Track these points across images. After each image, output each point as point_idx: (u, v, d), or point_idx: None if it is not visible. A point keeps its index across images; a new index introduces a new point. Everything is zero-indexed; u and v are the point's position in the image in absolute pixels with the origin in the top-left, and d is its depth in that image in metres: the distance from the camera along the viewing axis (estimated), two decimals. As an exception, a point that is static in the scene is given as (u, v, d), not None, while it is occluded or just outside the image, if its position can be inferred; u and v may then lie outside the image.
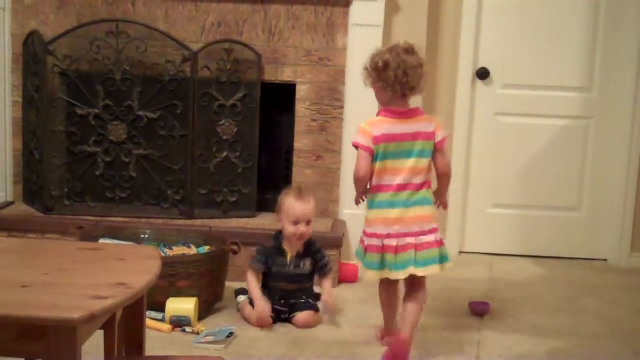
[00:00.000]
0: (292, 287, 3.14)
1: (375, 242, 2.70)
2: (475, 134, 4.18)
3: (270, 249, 3.14)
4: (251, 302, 3.09)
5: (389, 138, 2.68)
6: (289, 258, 3.12)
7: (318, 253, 3.17)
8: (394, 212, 2.69)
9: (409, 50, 2.69)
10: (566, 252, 4.24)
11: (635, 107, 4.05)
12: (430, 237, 2.72)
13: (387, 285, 2.78)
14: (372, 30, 3.80)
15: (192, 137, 3.73)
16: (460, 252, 4.25)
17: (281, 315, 3.10)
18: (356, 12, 3.79)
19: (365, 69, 2.75)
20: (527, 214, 4.24)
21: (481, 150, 4.19)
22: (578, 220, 4.24)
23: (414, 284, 2.75)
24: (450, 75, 4.10)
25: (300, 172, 3.88)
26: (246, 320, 3.08)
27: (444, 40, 4.08)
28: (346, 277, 3.65)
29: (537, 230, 4.25)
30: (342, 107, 3.87)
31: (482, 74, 4.11)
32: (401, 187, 2.70)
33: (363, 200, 2.81)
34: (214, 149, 3.79)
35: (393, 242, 2.68)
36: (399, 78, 2.64)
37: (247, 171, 3.80)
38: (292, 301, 3.11)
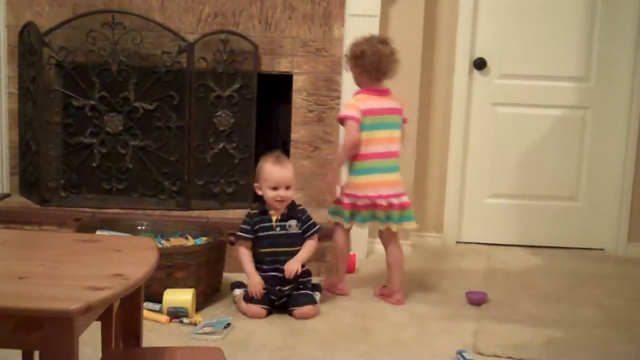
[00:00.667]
0: (283, 250, 3.13)
1: (367, 202, 3.19)
2: (473, 124, 4.18)
3: (254, 215, 3.16)
4: (245, 298, 3.10)
5: (373, 112, 3.18)
6: (274, 220, 3.14)
7: (302, 213, 3.19)
8: (380, 177, 3.20)
9: (383, 41, 3.23)
10: (564, 242, 4.25)
11: (632, 96, 4.06)
12: (405, 199, 3.25)
13: (346, 236, 3.32)
14: (369, 20, 3.79)
15: (189, 129, 3.72)
16: (458, 242, 4.26)
17: (276, 302, 3.10)
18: (353, 2, 3.78)
19: (346, 56, 3.27)
20: (525, 204, 4.25)
21: (478, 141, 4.19)
22: (575, 210, 4.24)
23: (391, 238, 3.28)
24: (447, 65, 4.09)
25: (298, 163, 3.87)
26: (242, 313, 3.08)
27: (441, 31, 4.07)
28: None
29: (534, 220, 4.25)
30: (339, 97, 3.86)
31: (480, 64, 4.11)
32: (384, 155, 3.20)
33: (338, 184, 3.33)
34: (211, 140, 3.78)
35: (383, 202, 3.19)
36: (374, 65, 3.16)
37: (244, 162, 3.80)
38: (292, 293, 3.11)
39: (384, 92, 3.24)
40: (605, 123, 4.15)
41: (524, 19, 4.09)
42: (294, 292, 3.11)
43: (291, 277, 3.08)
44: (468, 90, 4.13)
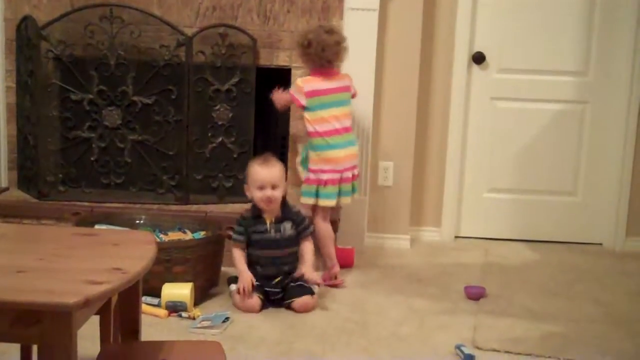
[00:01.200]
0: (279, 253, 3.15)
1: (335, 176, 3.38)
2: (471, 118, 4.17)
3: (248, 219, 3.17)
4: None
5: (318, 92, 3.40)
6: (268, 223, 3.14)
7: (296, 215, 3.20)
8: (342, 151, 3.41)
9: (329, 31, 3.43)
10: (562, 237, 4.24)
11: (631, 91, 4.05)
12: (356, 171, 3.51)
13: (324, 216, 3.44)
14: (367, 14, 3.79)
15: (187, 123, 3.72)
16: (456, 236, 4.25)
17: (272, 297, 3.11)
18: (352, -5, 3.78)
19: (297, 44, 3.51)
20: (523, 199, 4.24)
21: (477, 135, 4.19)
22: (574, 205, 4.24)
23: (328, 213, 3.47)
24: (446, 59, 4.09)
25: (296, 157, 3.86)
26: (236, 307, 3.08)
27: (440, 25, 4.06)
28: (342, 263, 3.64)
29: (533, 215, 4.25)
30: (337, 92, 3.86)
31: (478, 58, 4.10)
32: (339, 131, 3.41)
33: None
34: (210, 135, 3.78)
35: (349, 174, 3.43)
36: (319, 54, 3.38)
37: (243, 157, 3.79)
38: (291, 284, 3.12)
39: (330, 74, 3.43)
40: (604, 118, 4.15)
41: (523, 13, 4.08)
42: (290, 284, 3.12)
43: (317, 282, 3.17)
44: (467, 84, 4.12)
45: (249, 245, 3.16)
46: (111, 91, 3.73)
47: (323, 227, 3.43)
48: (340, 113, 3.42)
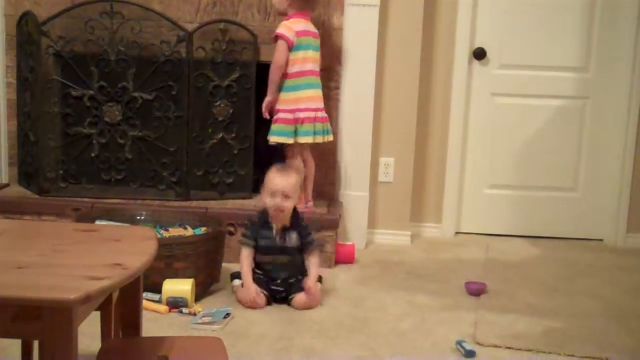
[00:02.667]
0: (282, 259, 3.14)
1: (311, 114, 3.55)
2: (472, 114, 4.17)
3: (256, 223, 3.16)
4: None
5: (305, 33, 3.54)
6: (274, 231, 3.14)
7: (303, 229, 3.18)
8: (316, 92, 3.60)
9: None
10: (562, 233, 4.25)
11: (631, 87, 4.05)
12: (325, 113, 3.65)
13: (298, 154, 3.61)
14: (368, 10, 3.79)
15: (188, 119, 3.72)
16: (457, 232, 4.26)
17: (276, 295, 3.11)
18: (353, -9, 3.77)
19: None
20: (524, 195, 4.24)
21: (478, 131, 4.19)
22: (574, 201, 4.24)
23: (309, 151, 3.66)
24: (447, 55, 4.08)
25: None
26: (240, 303, 3.08)
27: (440, 20, 4.06)
28: (343, 258, 3.65)
29: (533, 211, 4.25)
30: (338, 88, 3.86)
31: (479, 54, 4.10)
32: (314, 72, 3.59)
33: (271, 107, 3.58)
34: (210, 130, 3.77)
35: (321, 114, 3.60)
36: None
37: (243, 152, 3.79)
38: (290, 281, 3.12)
39: (308, 18, 3.60)
40: (605, 113, 4.15)
41: (524, 9, 4.08)
42: (294, 281, 3.12)
43: (317, 299, 3.10)
44: (467, 80, 4.12)
45: (255, 248, 3.15)
46: (111, 87, 3.73)
47: (310, 165, 3.67)
48: (314, 56, 3.59)
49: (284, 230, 3.15)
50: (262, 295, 3.06)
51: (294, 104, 3.54)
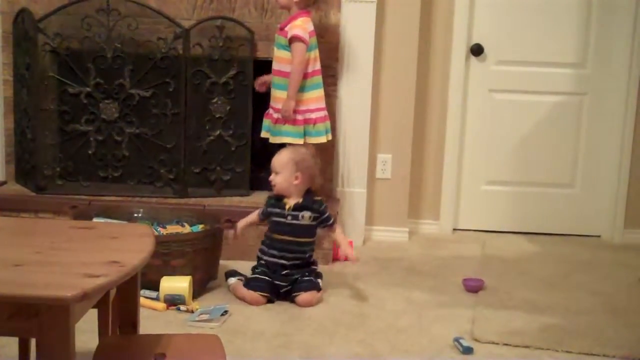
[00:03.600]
0: (291, 239, 3.14)
1: (321, 114, 3.54)
2: (469, 110, 4.17)
3: (271, 198, 3.23)
4: (245, 285, 3.10)
5: (313, 33, 3.51)
6: (287, 208, 3.16)
7: (319, 206, 3.20)
8: (320, 92, 3.56)
9: None
10: (560, 229, 4.25)
11: (629, 83, 4.05)
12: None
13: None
14: (365, 6, 3.78)
15: (185, 116, 3.71)
16: (455, 229, 4.26)
17: (280, 290, 3.11)
18: (349, -12, 3.77)
19: None
20: (521, 191, 4.24)
21: (475, 127, 4.19)
22: (572, 197, 4.24)
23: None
24: (444, 51, 4.08)
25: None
26: (241, 299, 3.08)
27: (437, 16, 4.05)
28: (341, 255, 3.65)
29: (531, 207, 4.25)
30: (335, 84, 3.85)
31: (476, 50, 4.10)
32: (320, 72, 3.55)
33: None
34: (207, 128, 3.77)
35: (324, 113, 3.57)
36: None
37: (241, 149, 3.79)
38: (295, 277, 3.11)
39: (311, 15, 3.56)
40: (602, 109, 4.15)
41: (521, 5, 4.08)
42: (299, 278, 3.12)
43: (352, 258, 3.21)
44: (465, 76, 4.11)
45: (269, 228, 3.20)
46: (108, 84, 3.72)
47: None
48: (317, 55, 3.55)
49: (296, 209, 3.16)
50: (258, 296, 3.06)
51: (305, 104, 3.50)
